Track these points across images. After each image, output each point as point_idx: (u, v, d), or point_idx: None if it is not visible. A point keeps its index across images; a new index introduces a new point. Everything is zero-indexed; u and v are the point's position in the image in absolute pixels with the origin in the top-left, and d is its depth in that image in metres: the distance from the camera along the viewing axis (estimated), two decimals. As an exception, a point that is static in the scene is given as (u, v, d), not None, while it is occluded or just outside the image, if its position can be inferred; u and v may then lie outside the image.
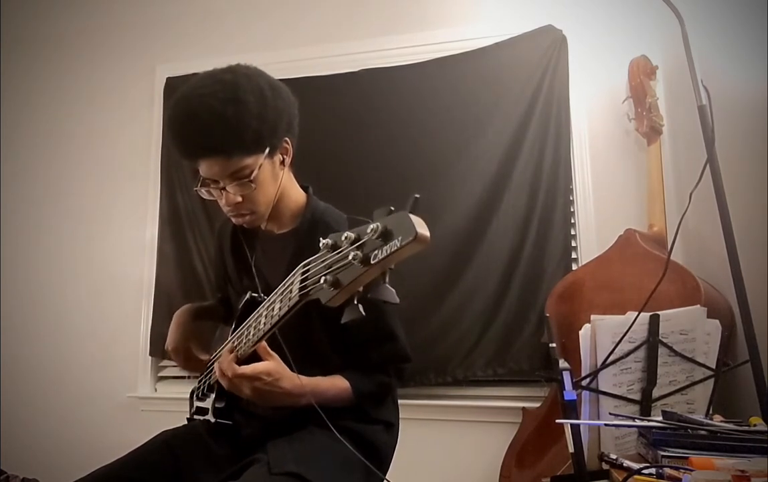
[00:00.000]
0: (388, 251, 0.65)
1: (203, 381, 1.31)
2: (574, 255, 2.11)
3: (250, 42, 2.53)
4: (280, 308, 0.92)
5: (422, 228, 0.63)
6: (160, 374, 2.51)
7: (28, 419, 2.56)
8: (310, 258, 0.81)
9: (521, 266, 2.10)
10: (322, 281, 0.73)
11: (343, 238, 0.71)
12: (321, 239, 0.76)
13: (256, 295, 1.20)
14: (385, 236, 0.65)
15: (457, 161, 2.21)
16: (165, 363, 2.47)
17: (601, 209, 2.11)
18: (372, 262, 0.66)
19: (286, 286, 0.90)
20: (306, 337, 1.16)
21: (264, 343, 1.01)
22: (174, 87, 2.54)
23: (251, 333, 1.02)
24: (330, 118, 2.29)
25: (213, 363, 1.27)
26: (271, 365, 1.02)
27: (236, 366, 1.01)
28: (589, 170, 2.15)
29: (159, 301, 2.47)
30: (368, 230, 0.67)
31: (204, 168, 1.13)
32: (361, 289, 0.72)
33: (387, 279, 0.71)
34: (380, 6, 2.44)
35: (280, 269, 1.20)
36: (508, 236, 2.12)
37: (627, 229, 1.80)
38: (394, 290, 0.72)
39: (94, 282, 2.59)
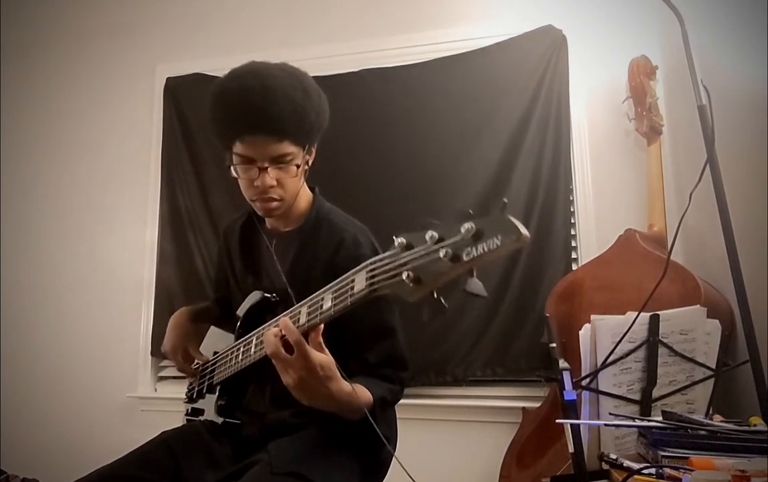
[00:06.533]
0: (486, 249, 0.65)
1: (204, 381, 1.31)
2: (574, 255, 2.11)
3: (252, 42, 2.52)
4: (333, 304, 0.88)
5: (524, 229, 0.64)
6: (160, 374, 2.51)
7: (28, 419, 2.56)
8: (378, 257, 0.80)
9: (521, 266, 2.10)
10: (404, 275, 0.73)
11: (427, 237, 0.71)
12: (395, 238, 0.76)
13: (269, 295, 1.21)
14: (478, 235, 0.66)
15: (457, 161, 2.20)
16: (165, 363, 2.47)
17: (601, 209, 2.11)
18: (465, 259, 0.67)
19: (344, 282, 0.87)
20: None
21: (320, 337, 0.93)
22: (174, 87, 2.54)
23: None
24: (331, 118, 2.28)
25: (215, 363, 1.28)
26: (330, 360, 0.93)
27: (306, 344, 0.90)
28: (589, 170, 2.15)
29: (159, 301, 2.46)
30: (462, 229, 0.67)
31: (247, 145, 1.13)
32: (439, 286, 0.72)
33: (475, 274, 0.70)
34: (381, 6, 2.44)
35: (283, 265, 1.21)
36: (508, 235, 2.12)
37: (627, 229, 1.80)
38: (481, 283, 0.71)
39: (94, 282, 2.58)
